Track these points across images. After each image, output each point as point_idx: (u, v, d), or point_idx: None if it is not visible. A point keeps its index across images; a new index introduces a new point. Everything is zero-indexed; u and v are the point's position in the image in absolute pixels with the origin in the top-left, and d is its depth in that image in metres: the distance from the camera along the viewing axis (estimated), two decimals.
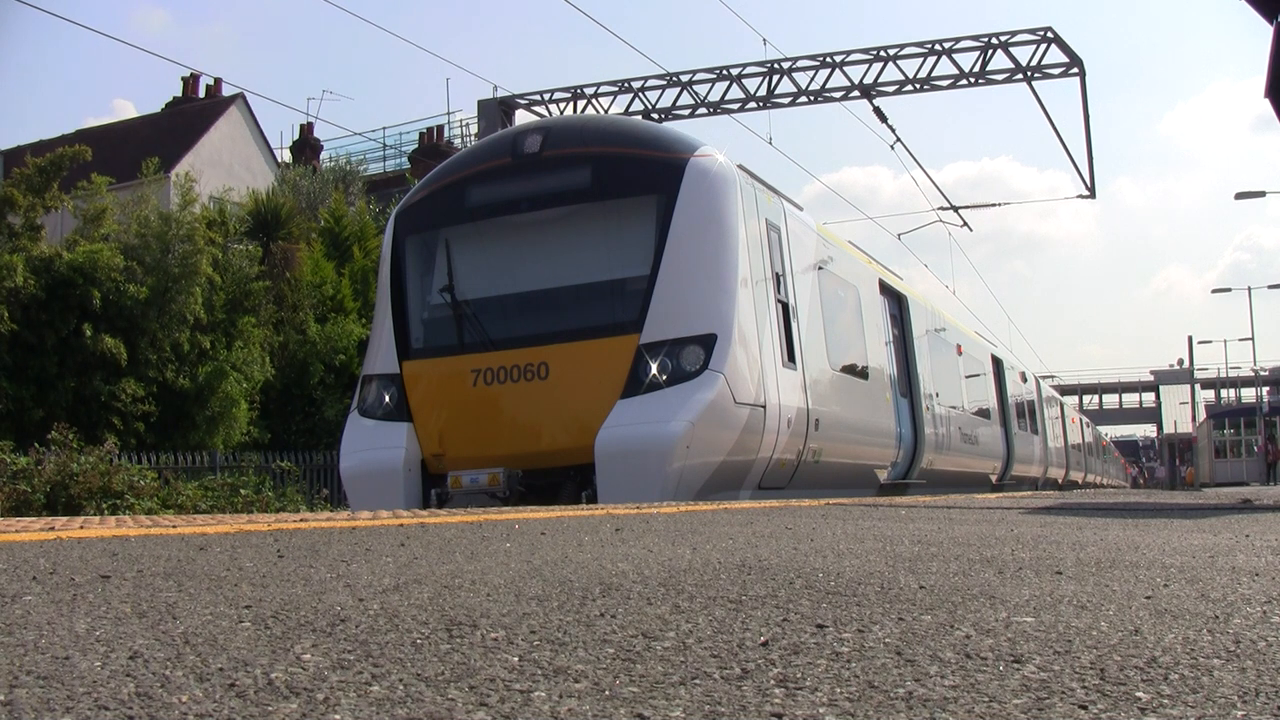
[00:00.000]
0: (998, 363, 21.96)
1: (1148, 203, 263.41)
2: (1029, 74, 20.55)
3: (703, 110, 22.22)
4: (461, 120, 43.81)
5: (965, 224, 25.09)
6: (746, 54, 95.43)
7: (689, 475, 8.62)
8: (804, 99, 21.72)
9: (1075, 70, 20.50)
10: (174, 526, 4.46)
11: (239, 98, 32.08)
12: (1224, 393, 75.85)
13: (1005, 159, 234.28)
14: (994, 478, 19.99)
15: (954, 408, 16.81)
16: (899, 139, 23.41)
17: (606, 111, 22.29)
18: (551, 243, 9.87)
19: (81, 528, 4.30)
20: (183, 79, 36.12)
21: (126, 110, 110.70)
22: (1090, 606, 2.51)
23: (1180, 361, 70.77)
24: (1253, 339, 66.38)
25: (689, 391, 8.63)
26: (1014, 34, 20.55)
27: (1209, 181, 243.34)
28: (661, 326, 8.88)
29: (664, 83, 22.06)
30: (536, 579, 2.84)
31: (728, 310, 8.99)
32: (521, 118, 22.67)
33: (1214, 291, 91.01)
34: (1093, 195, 22.43)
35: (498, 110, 22.47)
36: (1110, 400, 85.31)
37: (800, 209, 11.75)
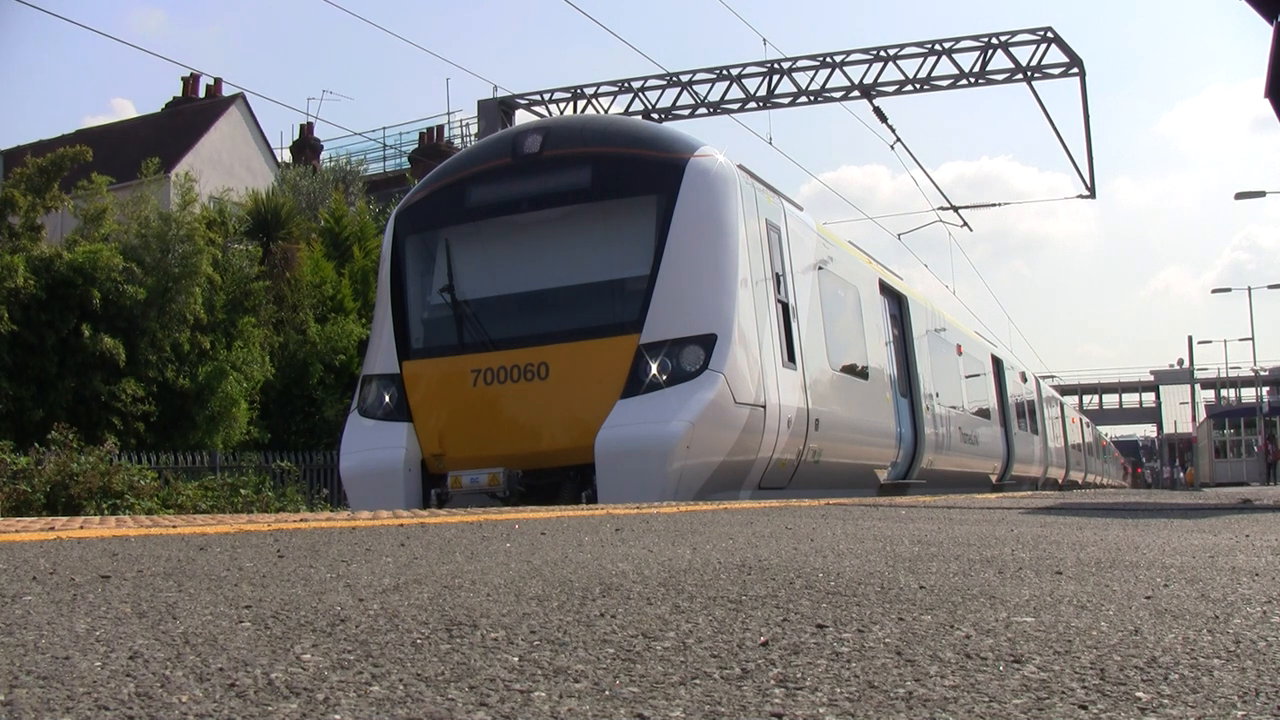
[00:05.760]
0: (998, 363, 21.96)
1: (1147, 202, 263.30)
2: (1029, 74, 20.55)
3: (703, 110, 22.22)
4: (461, 120, 43.89)
5: (965, 224, 25.10)
6: (746, 54, 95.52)
7: (689, 475, 8.62)
8: (804, 99, 21.72)
9: (1075, 70, 20.50)
10: (174, 526, 4.46)
11: (239, 98, 32.07)
12: (1224, 393, 75.86)
13: (1005, 159, 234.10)
14: (994, 478, 19.99)
15: (954, 408, 16.81)
16: (899, 139, 23.43)
17: (606, 111, 22.29)
18: (551, 243, 9.88)
19: (81, 528, 4.30)
20: (183, 79, 36.12)
21: (125, 109, 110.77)
22: (1090, 606, 2.51)
23: (1180, 361, 70.80)
24: (1253, 339, 66.29)
25: (689, 392, 8.62)
26: (1014, 34, 20.56)
27: (1208, 181, 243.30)
28: (661, 326, 8.88)
29: (664, 83, 22.07)
30: (536, 579, 2.84)
31: (728, 310, 8.99)
32: (521, 118, 22.67)
33: (1214, 291, 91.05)
34: (1093, 195, 22.44)
35: (498, 110, 22.47)
36: (1110, 400, 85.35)
37: (800, 209, 11.75)
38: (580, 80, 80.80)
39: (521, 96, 22.91)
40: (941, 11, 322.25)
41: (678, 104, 22.23)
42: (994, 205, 40.83)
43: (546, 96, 22.70)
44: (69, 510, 10.78)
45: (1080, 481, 34.34)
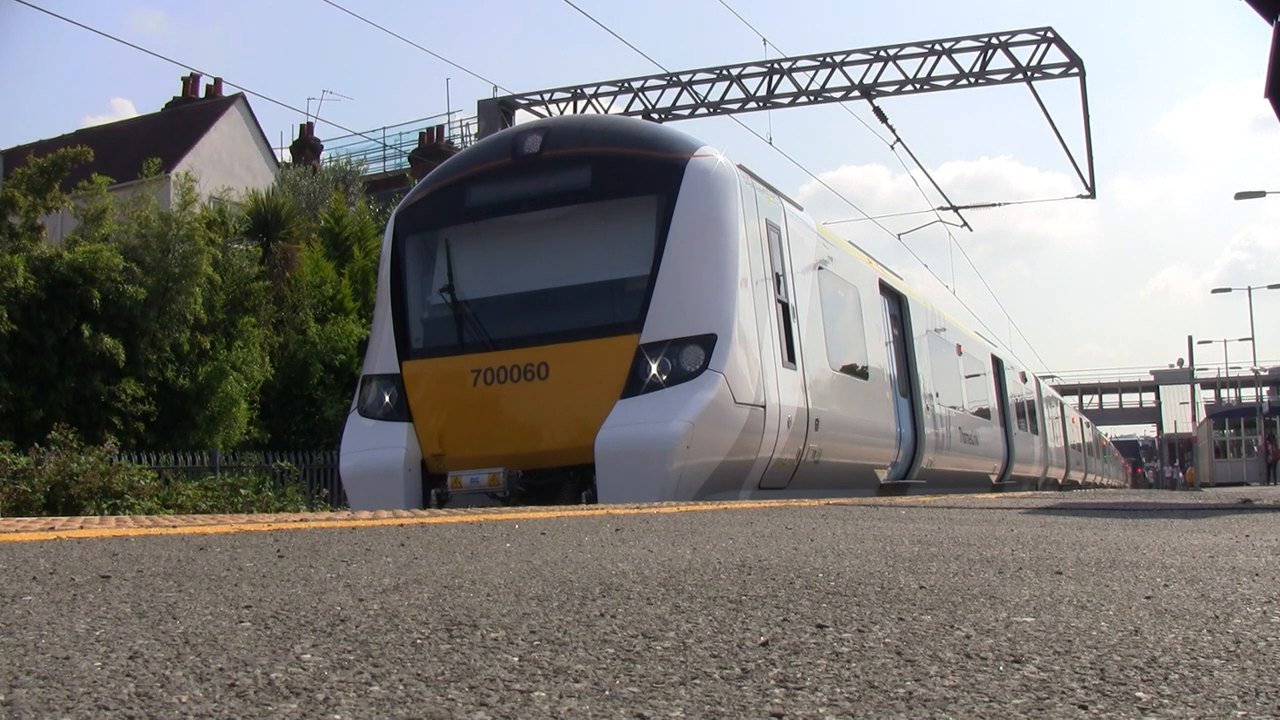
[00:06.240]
0: (998, 363, 21.96)
1: (1147, 202, 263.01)
2: (1029, 74, 20.55)
3: (703, 110, 22.23)
4: (461, 120, 43.90)
5: (965, 224, 25.11)
6: (746, 54, 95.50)
7: (689, 475, 8.62)
8: (804, 99, 21.72)
9: (1075, 70, 20.50)
10: (174, 526, 4.46)
11: (239, 98, 32.07)
12: (1224, 393, 75.86)
13: (1005, 159, 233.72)
14: (994, 478, 19.99)
15: (954, 408, 16.81)
16: (899, 139, 23.44)
17: (606, 111, 22.29)
18: (551, 243, 9.88)
19: (81, 528, 4.30)
20: (183, 79, 36.13)
21: (125, 109, 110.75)
22: (1090, 606, 2.51)
23: (1180, 361, 70.82)
24: (1253, 339, 66.22)
25: (689, 392, 8.63)
26: (1014, 34, 20.56)
27: (1208, 181, 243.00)
28: (661, 326, 8.89)
29: (664, 83, 22.07)
30: (536, 579, 2.84)
31: (728, 310, 8.99)
32: (521, 118, 22.67)
33: (1214, 291, 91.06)
34: (1093, 195, 22.45)
35: (498, 110, 22.47)
36: (1110, 400, 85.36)
37: (800, 209, 11.76)
38: (580, 80, 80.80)
39: (521, 96, 22.92)
40: (941, 11, 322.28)
41: (678, 104, 22.23)
42: (994, 205, 40.94)
43: (546, 96, 22.70)
44: (69, 510, 10.78)
45: (1080, 481, 34.34)
